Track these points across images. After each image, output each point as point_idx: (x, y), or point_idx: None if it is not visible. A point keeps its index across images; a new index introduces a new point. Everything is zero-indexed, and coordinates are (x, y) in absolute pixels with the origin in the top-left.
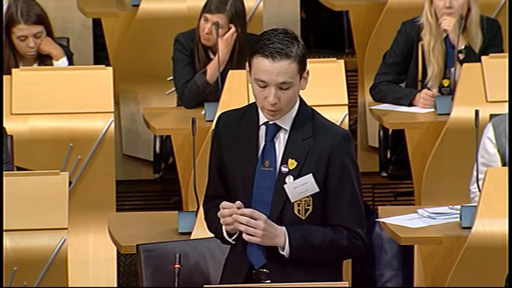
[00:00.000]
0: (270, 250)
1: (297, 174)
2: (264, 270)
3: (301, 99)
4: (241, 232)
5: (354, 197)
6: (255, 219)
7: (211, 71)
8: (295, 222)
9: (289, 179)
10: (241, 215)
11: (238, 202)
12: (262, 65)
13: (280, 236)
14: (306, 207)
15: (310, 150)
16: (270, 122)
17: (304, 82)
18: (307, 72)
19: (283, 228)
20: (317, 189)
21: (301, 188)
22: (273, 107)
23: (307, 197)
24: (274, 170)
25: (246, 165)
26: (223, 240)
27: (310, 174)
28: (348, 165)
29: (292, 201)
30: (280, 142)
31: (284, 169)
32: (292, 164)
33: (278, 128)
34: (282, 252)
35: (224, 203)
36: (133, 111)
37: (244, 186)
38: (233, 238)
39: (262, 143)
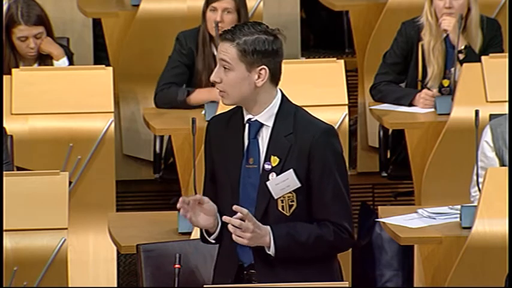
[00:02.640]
0: (257, 250)
1: (280, 170)
2: (252, 270)
3: (283, 95)
4: (220, 232)
5: (337, 191)
6: (245, 221)
7: (198, 99)
8: (280, 218)
9: (272, 176)
10: (237, 212)
11: (198, 195)
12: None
13: (266, 236)
14: (290, 203)
15: (291, 147)
16: (252, 119)
17: (258, 79)
18: (265, 71)
19: (268, 227)
20: (298, 185)
21: (283, 184)
22: (216, 86)
23: (290, 193)
24: (258, 167)
25: (232, 164)
26: (203, 239)
27: (291, 170)
28: (330, 160)
29: (275, 197)
30: (264, 139)
31: (267, 166)
32: (274, 160)
33: (260, 125)
34: (268, 252)
35: (182, 198)
36: (133, 111)
37: (231, 184)
38: (213, 237)
39: (247, 141)
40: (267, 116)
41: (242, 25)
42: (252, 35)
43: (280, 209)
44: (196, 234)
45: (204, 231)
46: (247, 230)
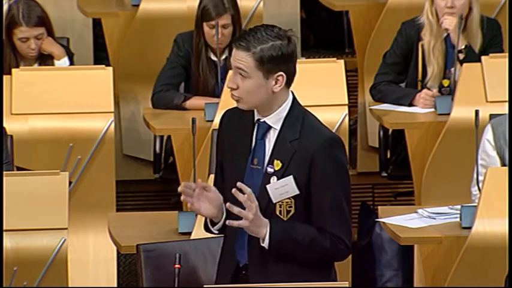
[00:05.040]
0: (252, 250)
1: (281, 175)
2: (247, 271)
3: (294, 99)
4: (224, 225)
5: (336, 201)
6: (251, 202)
7: (194, 105)
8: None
9: (273, 180)
10: (240, 190)
11: (198, 180)
12: (233, 51)
13: (263, 227)
14: (288, 209)
15: (295, 153)
16: (261, 120)
17: (276, 85)
18: (282, 77)
19: (267, 220)
20: (297, 192)
21: (281, 189)
22: (232, 92)
23: (289, 198)
24: (261, 169)
25: (238, 162)
26: (206, 227)
27: (291, 176)
28: (330, 170)
29: (274, 201)
30: (270, 141)
31: (270, 169)
32: (277, 164)
33: (268, 127)
34: (262, 244)
35: (184, 183)
36: (134, 111)
37: (235, 181)
38: (216, 228)
39: (254, 141)
40: (275, 119)
41: (255, 31)
42: (267, 42)
43: (277, 213)
44: (196, 234)
45: (208, 220)
46: (251, 209)
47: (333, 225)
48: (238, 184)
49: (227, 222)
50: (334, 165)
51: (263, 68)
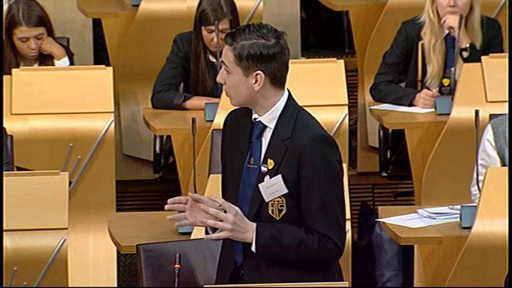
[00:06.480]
0: (247, 250)
1: (274, 174)
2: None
3: (289, 97)
4: None
5: (325, 200)
6: (225, 211)
7: (194, 105)
8: (270, 221)
9: (266, 179)
10: (213, 202)
11: (195, 194)
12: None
13: (249, 232)
14: (280, 208)
15: (286, 151)
16: (257, 120)
17: (256, 83)
18: (260, 76)
19: (254, 224)
20: (286, 191)
21: (272, 188)
22: (223, 87)
23: (280, 197)
24: (257, 168)
25: (236, 161)
26: (207, 235)
27: (279, 176)
28: (319, 168)
29: (266, 200)
30: (266, 141)
31: (264, 168)
32: (270, 163)
33: (264, 126)
34: (251, 248)
35: (170, 200)
36: (134, 111)
37: (233, 182)
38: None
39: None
40: (269, 118)
41: (245, 28)
42: (250, 39)
43: (270, 212)
44: (196, 234)
45: (209, 227)
46: (227, 220)
47: (321, 224)
48: (210, 196)
49: (204, 237)
50: (322, 163)
51: (241, 64)
